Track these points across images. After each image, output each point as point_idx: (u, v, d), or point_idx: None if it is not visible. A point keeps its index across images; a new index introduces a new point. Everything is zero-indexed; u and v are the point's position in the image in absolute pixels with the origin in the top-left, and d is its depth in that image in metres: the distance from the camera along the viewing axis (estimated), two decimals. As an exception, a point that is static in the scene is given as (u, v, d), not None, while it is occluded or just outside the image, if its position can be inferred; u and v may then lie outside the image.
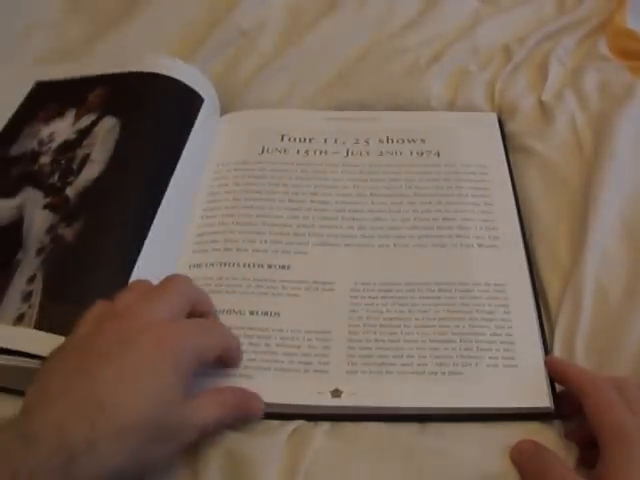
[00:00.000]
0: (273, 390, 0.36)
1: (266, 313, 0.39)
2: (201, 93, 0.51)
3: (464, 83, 0.55)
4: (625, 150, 0.47)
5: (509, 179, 0.47)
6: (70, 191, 0.43)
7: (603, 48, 0.57)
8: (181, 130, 0.48)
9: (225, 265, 0.42)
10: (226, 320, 0.38)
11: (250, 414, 0.35)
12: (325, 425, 0.35)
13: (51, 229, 0.41)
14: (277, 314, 0.39)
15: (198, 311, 0.36)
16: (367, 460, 0.34)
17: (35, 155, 0.46)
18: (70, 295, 0.37)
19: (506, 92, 0.54)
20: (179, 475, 0.33)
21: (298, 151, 0.49)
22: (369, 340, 0.38)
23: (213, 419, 0.32)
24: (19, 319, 0.36)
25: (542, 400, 0.35)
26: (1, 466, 0.25)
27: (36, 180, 0.44)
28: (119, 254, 0.39)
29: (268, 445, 0.34)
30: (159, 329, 0.31)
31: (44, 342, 0.33)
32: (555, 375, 0.36)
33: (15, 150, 0.47)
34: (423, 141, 0.50)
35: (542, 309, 0.40)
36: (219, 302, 0.39)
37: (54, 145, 0.46)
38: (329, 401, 0.35)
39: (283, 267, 0.41)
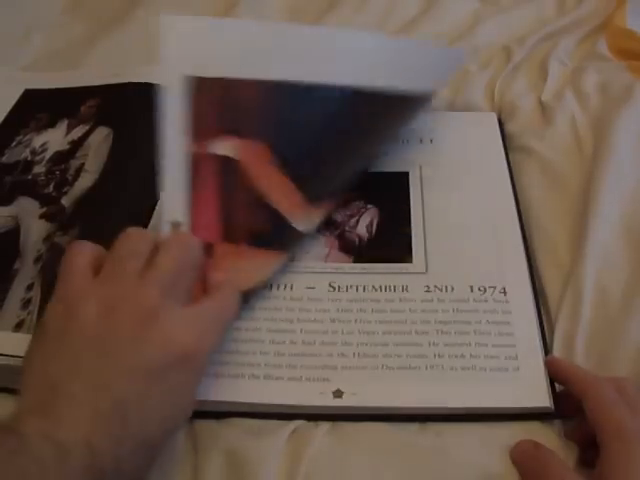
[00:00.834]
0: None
1: None
2: None
3: (464, 83, 0.55)
4: (625, 150, 0.47)
5: (509, 179, 0.47)
6: (65, 200, 0.44)
7: (603, 48, 0.57)
8: None
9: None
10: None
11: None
12: (325, 425, 0.35)
13: (48, 238, 0.41)
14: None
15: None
16: (367, 460, 0.34)
17: (29, 164, 0.47)
18: None
19: (506, 92, 0.54)
20: (179, 475, 0.34)
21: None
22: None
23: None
24: (18, 326, 0.37)
25: (542, 400, 0.35)
26: (40, 474, 0.25)
27: (31, 190, 0.45)
28: None
29: (268, 445, 0.34)
30: (180, 343, 0.30)
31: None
32: (555, 375, 0.36)
33: (7, 158, 0.47)
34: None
35: (542, 309, 0.40)
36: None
37: (47, 155, 0.47)
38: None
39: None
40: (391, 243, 0.43)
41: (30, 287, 0.39)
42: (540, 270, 0.42)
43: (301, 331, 0.38)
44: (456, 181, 0.47)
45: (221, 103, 0.40)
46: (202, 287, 0.35)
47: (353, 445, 0.35)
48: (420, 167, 0.48)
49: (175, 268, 0.32)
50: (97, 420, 0.27)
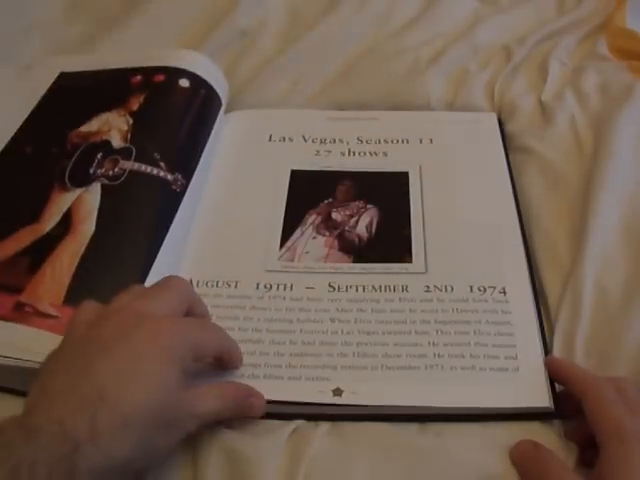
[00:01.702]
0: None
1: None
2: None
3: (464, 83, 0.56)
4: (625, 150, 0.47)
5: (509, 179, 0.47)
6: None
7: (603, 48, 0.57)
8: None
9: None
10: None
11: (250, 411, 0.35)
12: (325, 425, 0.35)
13: None
14: None
15: (194, 313, 0.36)
16: (367, 460, 0.34)
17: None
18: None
19: (506, 92, 0.55)
20: (179, 475, 0.34)
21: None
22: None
23: (212, 410, 0.32)
24: None
25: (542, 400, 0.35)
26: (2, 457, 0.25)
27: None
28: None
29: (268, 445, 0.34)
30: (155, 322, 0.31)
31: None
32: (555, 375, 0.36)
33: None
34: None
35: (542, 309, 0.40)
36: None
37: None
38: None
39: None
40: (391, 243, 0.43)
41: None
42: (540, 270, 0.42)
43: (301, 331, 0.38)
44: (456, 181, 0.47)
45: None
46: None
47: (353, 445, 0.35)
48: (420, 167, 0.48)
49: (161, 286, 0.34)
50: (72, 402, 0.28)
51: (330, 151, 0.50)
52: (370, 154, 0.50)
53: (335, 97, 0.55)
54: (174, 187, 0.44)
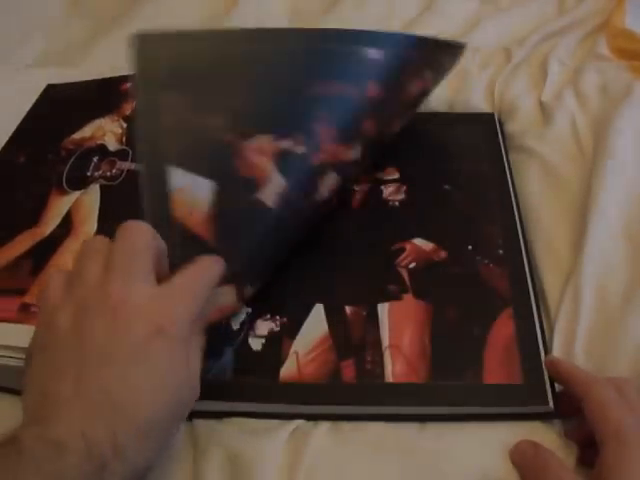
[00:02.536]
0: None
1: None
2: None
3: (464, 83, 0.56)
4: (625, 150, 0.46)
5: (509, 179, 0.47)
6: None
7: (603, 48, 0.57)
8: None
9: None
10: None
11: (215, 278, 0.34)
12: (325, 425, 0.35)
13: None
14: None
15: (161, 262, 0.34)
16: (367, 460, 0.34)
17: None
18: None
19: (506, 92, 0.54)
20: (179, 475, 0.34)
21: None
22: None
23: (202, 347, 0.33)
24: None
25: (542, 400, 0.35)
26: (29, 471, 0.25)
27: None
28: None
29: (268, 445, 0.34)
30: (149, 316, 0.29)
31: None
32: (555, 375, 0.36)
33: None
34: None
35: (542, 309, 0.40)
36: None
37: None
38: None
39: None
40: None
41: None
42: (540, 270, 0.42)
43: None
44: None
45: None
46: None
47: (353, 445, 0.35)
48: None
49: (128, 251, 0.31)
50: (87, 412, 0.27)
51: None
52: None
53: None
54: None
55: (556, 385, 0.36)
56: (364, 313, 0.39)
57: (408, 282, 0.40)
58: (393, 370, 0.36)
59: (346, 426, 0.35)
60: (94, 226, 0.40)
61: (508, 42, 0.59)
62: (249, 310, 0.39)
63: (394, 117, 0.45)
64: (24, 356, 0.33)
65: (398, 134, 0.47)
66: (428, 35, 0.43)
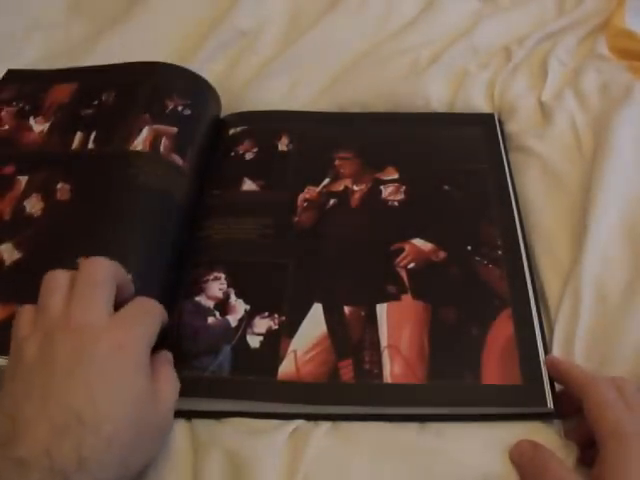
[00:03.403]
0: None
1: None
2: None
3: (464, 83, 0.55)
4: (625, 150, 0.46)
5: (509, 179, 0.47)
6: None
7: (603, 48, 0.57)
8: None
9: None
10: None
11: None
12: (325, 425, 0.35)
13: None
14: None
15: (122, 293, 0.35)
16: (367, 460, 0.34)
17: None
18: None
19: (506, 92, 0.54)
20: (179, 475, 0.34)
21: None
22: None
23: (173, 389, 0.34)
24: None
25: (542, 400, 0.35)
26: None
27: None
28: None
29: (268, 445, 0.34)
30: (110, 334, 0.31)
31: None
32: (555, 375, 0.36)
33: None
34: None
35: (542, 309, 0.40)
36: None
37: None
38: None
39: None
40: None
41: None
42: (540, 270, 0.42)
43: None
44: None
45: None
46: None
47: (353, 445, 0.35)
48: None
49: (89, 282, 0.33)
50: (53, 429, 0.28)
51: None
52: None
53: (335, 97, 0.55)
54: None
55: (556, 385, 0.36)
56: (363, 313, 0.39)
57: (407, 282, 0.40)
58: (391, 370, 0.36)
59: (346, 426, 0.35)
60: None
61: (508, 42, 0.59)
62: (247, 307, 0.39)
63: None
64: None
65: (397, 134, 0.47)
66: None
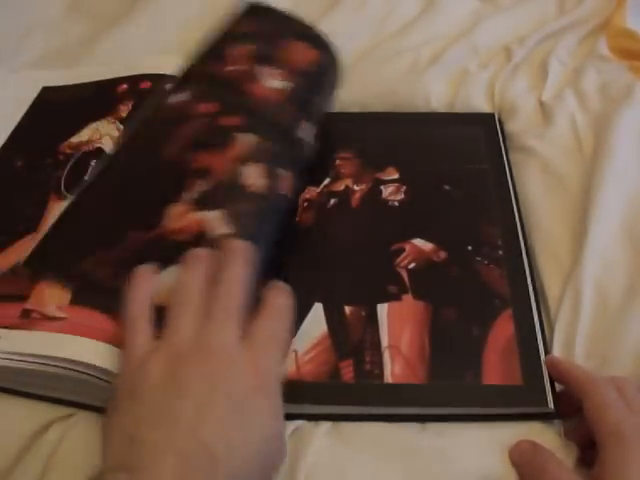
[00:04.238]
0: None
1: None
2: None
3: (464, 83, 0.55)
4: (625, 150, 0.46)
5: (509, 179, 0.47)
6: None
7: (603, 48, 0.57)
8: None
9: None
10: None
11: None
12: (325, 425, 0.35)
13: None
14: None
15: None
16: (367, 460, 0.34)
17: None
18: None
19: (506, 92, 0.54)
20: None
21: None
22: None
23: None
24: None
25: (542, 400, 0.35)
26: None
27: None
28: None
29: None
30: (247, 369, 0.30)
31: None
32: (555, 375, 0.36)
33: None
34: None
35: (542, 309, 0.40)
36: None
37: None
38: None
39: None
40: None
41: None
42: (540, 270, 0.42)
43: None
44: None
45: None
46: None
47: (353, 445, 0.35)
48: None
49: (228, 306, 0.32)
50: (182, 462, 0.26)
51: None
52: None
53: (335, 97, 0.55)
54: None
55: (556, 385, 0.36)
56: (363, 313, 0.39)
57: (407, 282, 0.40)
58: (392, 370, 0.36)
59: (346, 426, 0.35)
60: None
61: (508, 42, 0.59)
62: None
63: None
64: (26, 359, 0.33)
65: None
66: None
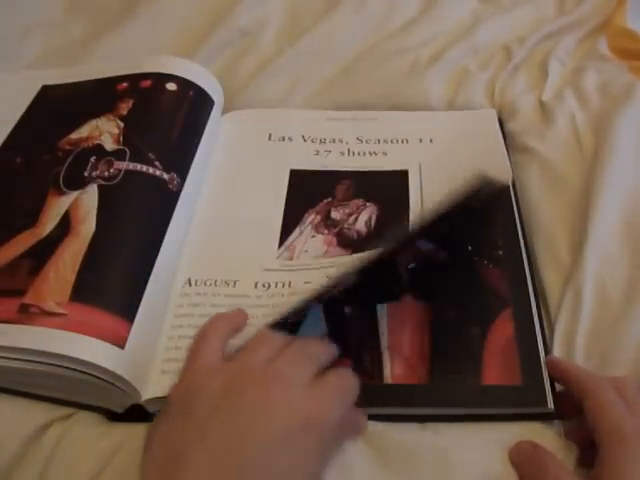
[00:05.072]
0: None
1: None
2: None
3: (464, 83, 0.55)
4: (625, 150, 0.46)
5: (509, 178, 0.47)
6: None
7: (603, 48, 0.57)
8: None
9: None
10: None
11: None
12: (325, 425, 0.35)
13: None
14: None
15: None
16: (367, 460, 0.34)
17: None
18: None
19: (506, 92, 0.54)
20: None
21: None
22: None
23: None
24: None
25: (542, 401, 0.35)
26: None
27: None
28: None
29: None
30: (303, 406, 0.29)
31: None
32: (555, 375, 0.36)
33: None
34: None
35: (542, 309, 0.40)
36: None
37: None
38: None
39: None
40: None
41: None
42: (540, 270, 0.42)
43: None
44: (455, 180, 0.47)
45: None
46: None
47: (353, 445, 0.34)
48: (420, 165, 0.48)
49: (303, 354, 0.32)
50: None
51: (330, 151, 0.50)
52: (370, 154, 0.50)
53: (335, 97, 0.55)
54: (170, 186, 0.44)
55: (556, 385, 0.36)
56: (363, 313, 0.39)
57: (408, 282, 0.40)
58: (392, 371, 0.36)
59: (346, 426, 0.35)
60: (92, 226, 0.40)
61: (508, 41, 0.59)
62: None
63: None
64: (25, 357, 0.33)
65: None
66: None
